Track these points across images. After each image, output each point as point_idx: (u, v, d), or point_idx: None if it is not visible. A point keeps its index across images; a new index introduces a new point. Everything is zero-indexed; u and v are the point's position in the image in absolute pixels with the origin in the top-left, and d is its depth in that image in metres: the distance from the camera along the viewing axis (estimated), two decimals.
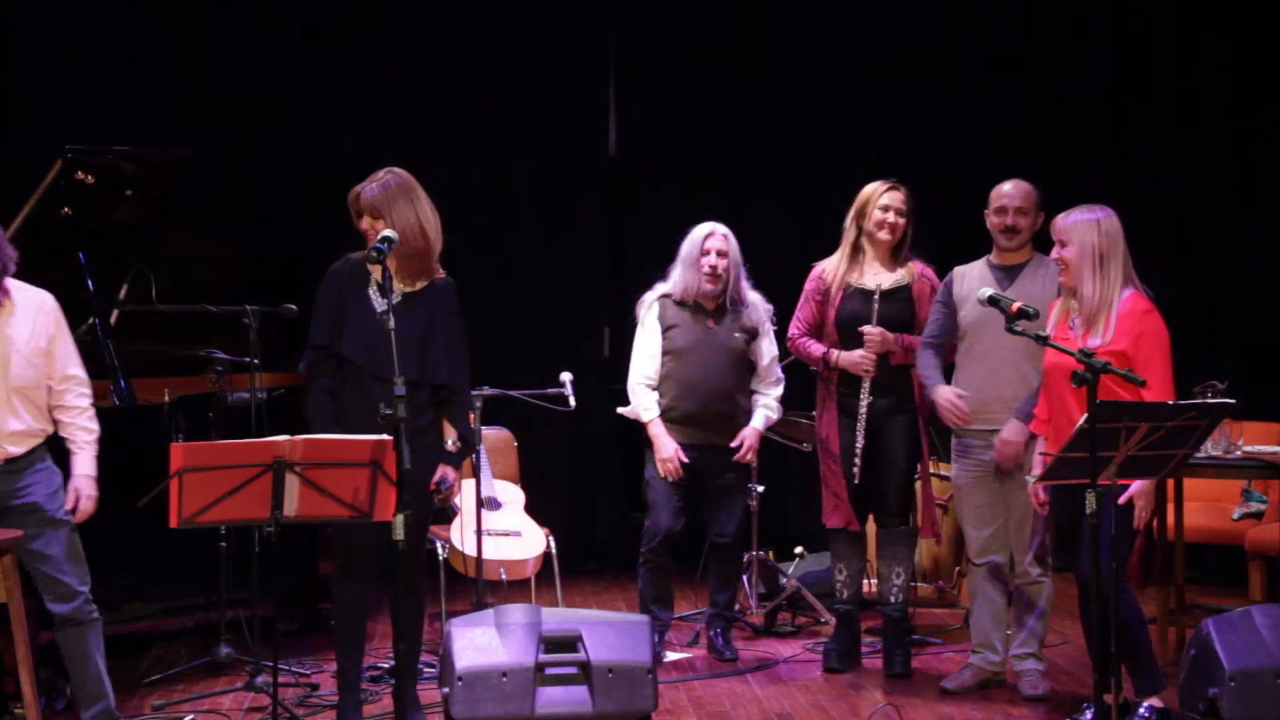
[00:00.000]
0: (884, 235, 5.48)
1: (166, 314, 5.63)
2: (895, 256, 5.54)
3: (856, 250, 5.53)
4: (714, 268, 5.69)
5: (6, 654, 4.65)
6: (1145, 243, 4.82)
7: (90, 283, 5.56)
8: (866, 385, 5.44)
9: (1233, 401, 4.54)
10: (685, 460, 5.72)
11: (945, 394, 5.19)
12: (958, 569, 6.42)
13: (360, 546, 4.71)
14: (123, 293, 5.67)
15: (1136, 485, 4.56)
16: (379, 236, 4.48)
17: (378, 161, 4.85)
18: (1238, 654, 4.40)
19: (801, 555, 6.57)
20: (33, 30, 7.38)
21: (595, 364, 7.80)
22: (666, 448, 5.73)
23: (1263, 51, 7.59)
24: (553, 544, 6.21)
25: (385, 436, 4.13)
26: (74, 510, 4.58)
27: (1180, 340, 4.74)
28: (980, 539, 5.32)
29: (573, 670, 4.53)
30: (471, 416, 5.76)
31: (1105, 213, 4.75)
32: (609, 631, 4.60)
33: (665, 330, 5.78)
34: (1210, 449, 5.32)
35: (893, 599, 5.59)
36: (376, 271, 4.62)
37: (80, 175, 5.34)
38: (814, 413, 5.69)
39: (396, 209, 4.60)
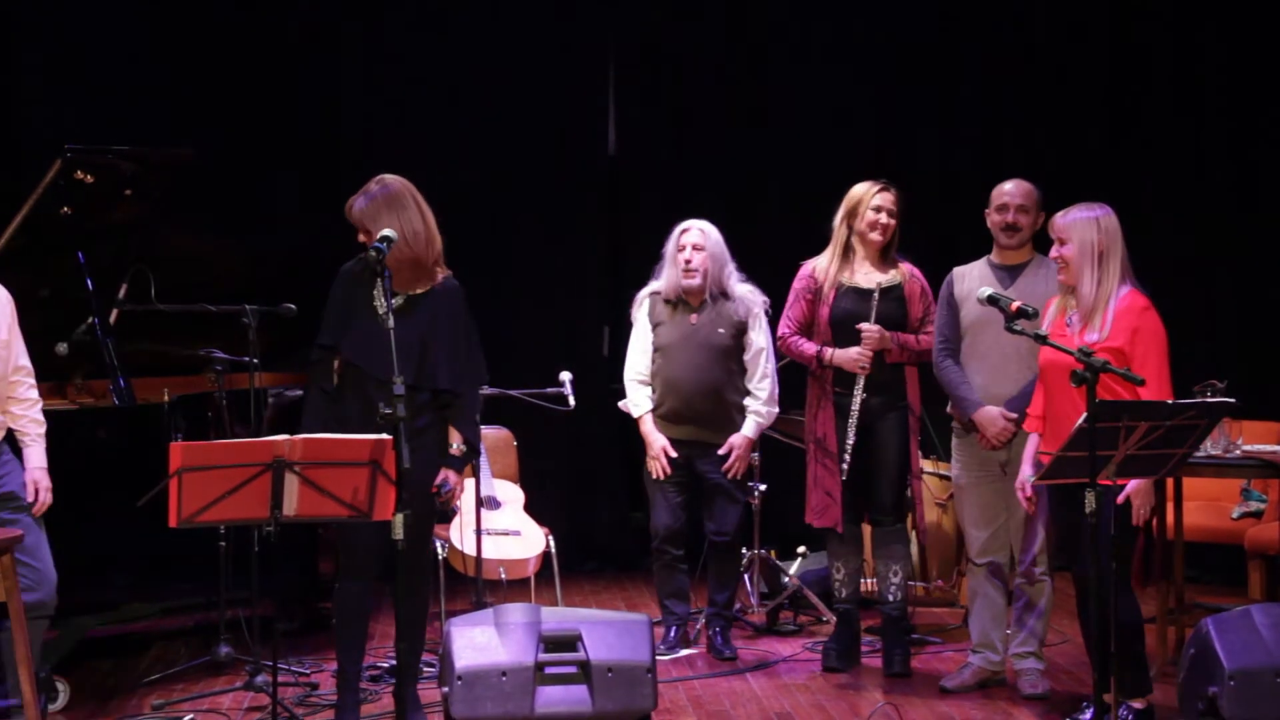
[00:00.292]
0: (875, 236, 5.50)
1: (166, 314, 5.63)
2: (884, 257, 5.55)
3: (847, 250, 5.54)
4: (688, 262, 5.75)
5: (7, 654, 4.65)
6: (1145, 242, 4.83)
7: (90, 282, 5.56)
8: (861, 383, 5.44)
9: (1232, 401, 4.53)
10: (673, 456, 5.77)
11: (992, 415, 5.17)
12: (957, 569, 6.42)
13: (361, 546, 4.71)
14: (122, 292, 5.67)
15: (1134, 484, 4.56)
16: (378, 236, 4.50)
17: (378, 161, 4.87)
18: (1237, 653, 4.40)
19: (803, 554, 6.57)
20: (33, 30, 7.38)
21: (595, 364, 7.80)
22: (653, 445, 5.81)
23: (1263, 51, 7.59)
24: (552, 543, 6.21)
25: (385, 436, 4.14)
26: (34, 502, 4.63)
27: (1180, 340, 4.75)
28: (982, 539, 5.32)
29: (572, 670, 4.53)
30: None
31: (1104, 210, 4.75)
32: (608, 631, 4.60)
33: (654, 327, 5.86)
34: (1210, 448, 5.32)
35: (891, 597, 5.59)
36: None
37: (80, 175, 5.34)
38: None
39: (380, 222, 4.60)
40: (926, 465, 6.49)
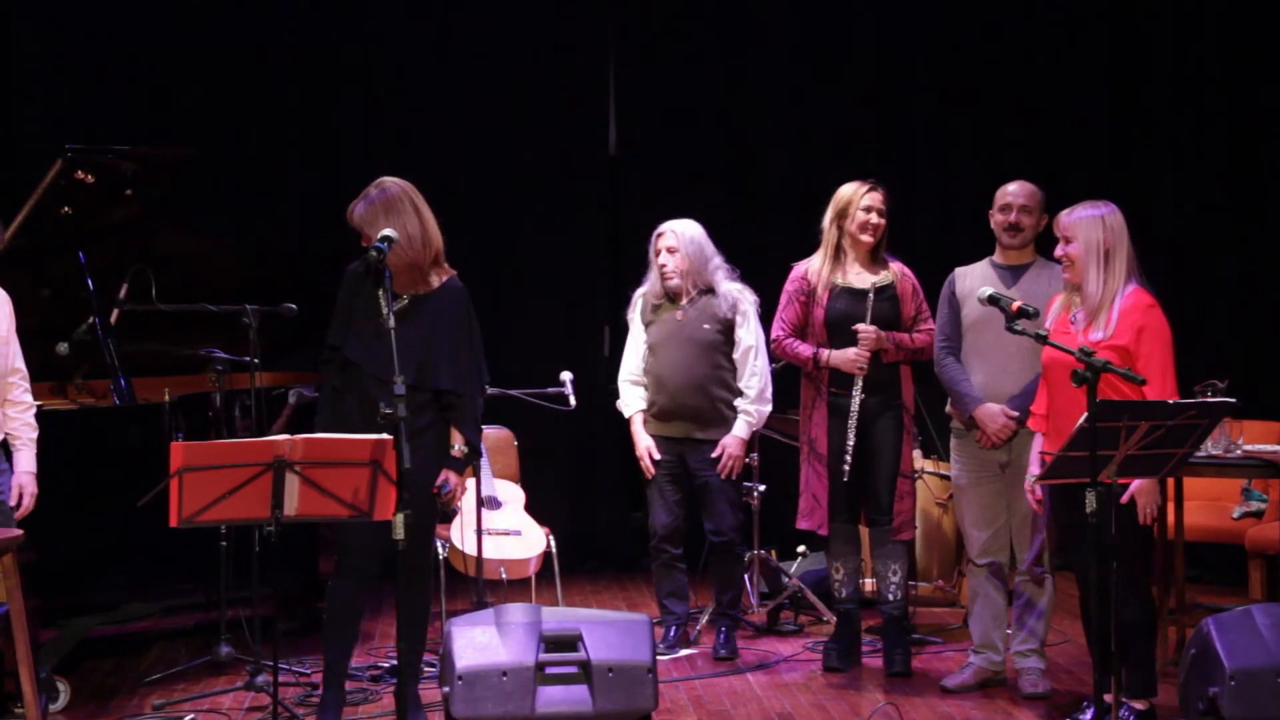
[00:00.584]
0: (867, 237, 5.51)
1: (166, 313, 5.63)
2: (875, 256, 5.56)
3: (839, 251, 5.55)
4: (663, 266, 5.81)
5: (7, 654, 4.65)
6: (1145, 242, 4.81)
7: (90, 282, 5.56)
8: (860, 383, 5.45)
9: (1233, 400, 4.54)
10: (656, 457, 5.83)
11: (993, 412, 5.17)
12: (957, 568, 6.42)
13: (358, 546, 4.72)
14: (123, 292, 5.67)
15: (1137, 482, 4.56)
16: (378, 236, 4.50)
17: (378, 161, 4.87)
18: (1238, 653, 4.40)
19: (803, 554, 6.57)
20: (32, 30, 7.38)
21: (595, 364, 7.79)
22: (638, 445, 5.89)
23: (1264, 51, 7.59)
24: (553, 543, 6.21)
25: (385, 436, 4.14)
26: (17, 506, 4.63)
27: (1180, 340, 4.74)
28: (982, 539, 5.32)
29: (573, 669, 4.52)
30: None
31: (1109, 208, 4.75)
32: (609, 631, 4.60)
33: (646, 327, 5.92)
34: (1210, 448, 5.31)
35: (891, 597, 5.59)
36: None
37: (80, 175, 5.34)
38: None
39: (378, 226, 4.60)
40: (927, 465, 6.50)
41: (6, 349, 4.67)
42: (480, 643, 4.51)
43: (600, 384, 7.53)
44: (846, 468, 5.46)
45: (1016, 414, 5.12)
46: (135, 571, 5.57)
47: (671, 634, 5.92)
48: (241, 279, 5.85)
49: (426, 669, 5.22)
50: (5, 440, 4.69)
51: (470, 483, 5.93)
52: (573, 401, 6.19)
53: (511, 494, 6.39)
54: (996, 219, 5.30)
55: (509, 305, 7.78)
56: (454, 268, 4.89)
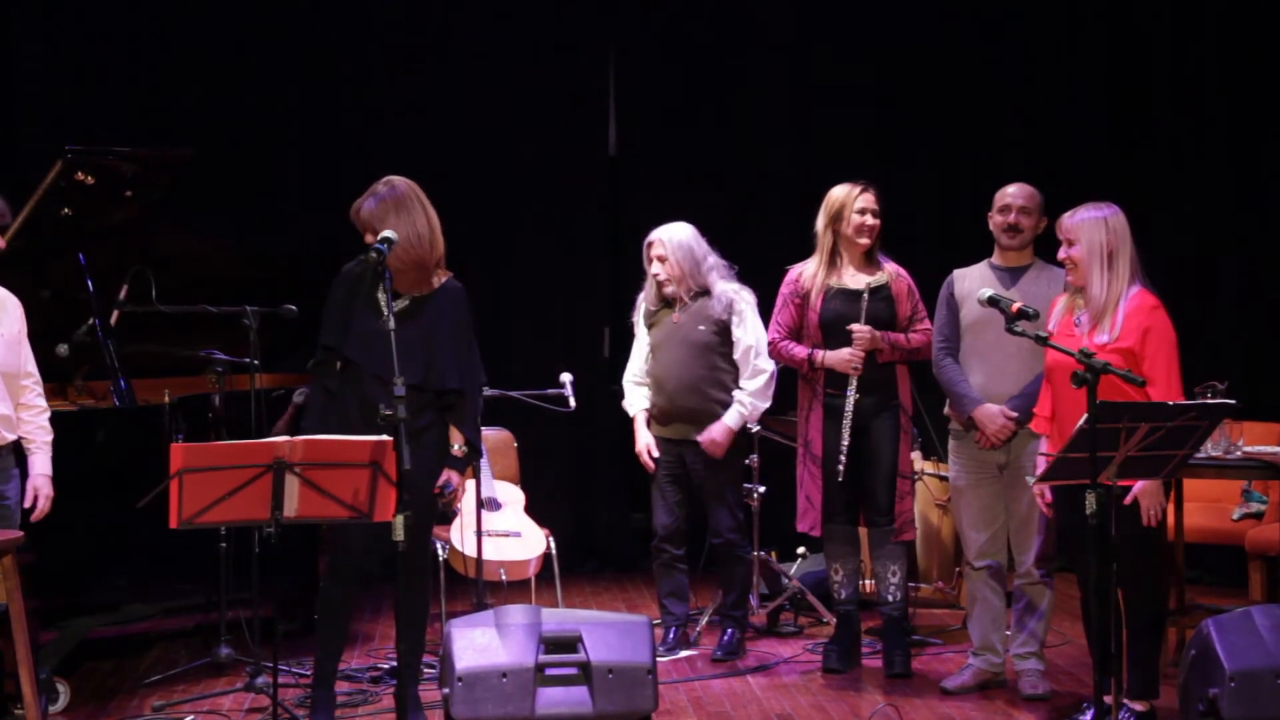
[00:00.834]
0: (864, 240, 5.52)
1: (166, 315, 5.63)
2: (869, 257, 5.56)
3: (834, 255, 5.55)
4: (655, 275, 5.85)
5: (7, 655, 4.65)
6: (1145, 242, 4.81)
7: (90, 283, 5.56)
8: (854, 383, 5.45)
9: (1233, 402, 4.54)
10: (655, 455, 5.86)
11: (992, 412, 5.16)
12: (957, 569, 6.42)
13: (351, 549, 4.73)
14: (123, 293, 5.67)
15: (1140, 484, 4.56)
16: (379, 237, 4.50)
17: (377, 161, 4.87)
18: (1238, 654, 4.40)
19: (803, 555, 6.57)
20: (32, 30, 7.38)
21: (595, 364, 7.80)
22: (638, 443, 5.93)
23: (1264, 51, 7.58)
24: (553, 544, 6.21)
25: (385, 437, 4.14)
26: (32, 509, 4.64)
27: (1180, 340, 4.73)
28: (980, 541, 5.32)
29: (573, 671, 4.53)
30: None
31: (1112, 210, 4.75)
32: (609, 632, 4.60)
33: (648, 329, 5.95)
34: (1210, 449, 5.31)
35: (890, 598, 5.59)
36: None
37: (80, 176, 5.34)
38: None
39: (387, 224, 4.60)
40: (927, 466, 6.50)
41: (19, 350, 4.68)
42: (480, 644, 4.51)
43: (600, 385, 7.55)
44: (841, 468, 5.46)
45: (1015, 414, 5.12)
46: (135, 573, 5.57)
47: (671, 635, 5.92)
48: (241, 280, 5.85)
49: (426, 670, 5.22)
50: (18, 442, 4.69)
51: (470, 484, 5.94)
52: (572, 403, 6.19)
53: (511, 495, 6.39)
54: (995, 220, 5.30)
55: (509, 305, 7.79)
56: (454, 268, 4.89)
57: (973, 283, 5.25)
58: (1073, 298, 4.82)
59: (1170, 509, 5.64)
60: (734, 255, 6.00)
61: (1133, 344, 4.61)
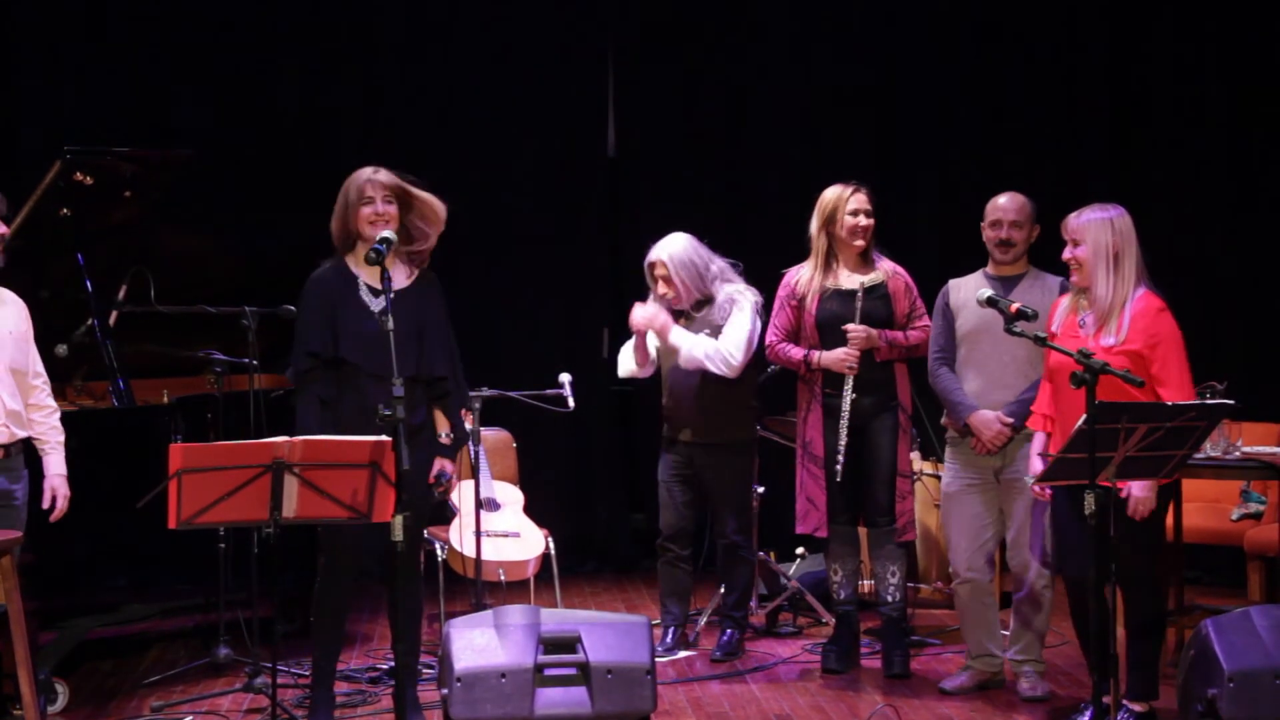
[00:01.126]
0: (858, 241, 5.52)
1: (165, 315, 5.63)
2: (864, 257, 5.56)
3: (829, 257, 5.54)
4: (663, 296, 5.81)
5: (6, 656, 4.65)
6: (1145, 243, 4.81)
7: (89, 284, 5.56)
8: (850, 382, 5.45)
9: (1232, 402, 4.54)
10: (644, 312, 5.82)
11: (988, 418, 5.16)
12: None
13: (347, 547, 4.72)
14: (122, 294, 5.67)
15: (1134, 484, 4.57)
16: (378, 237, 4.49)
17: (378, 162, 4.85)
18: (1237, 654, 4.40)
19: (802, 556, 6.57)
20: (32, 30, 7.38)
21: (595, 365, 7.79)
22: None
23: (1264, 50, 7.58)
24: (551, 545, 6.20)
25: (384, 438, 4.14)
26: (51, 509, 4.65)
27: None
28: (967, 550, 5.30)
29: (572, 671, 4.52)
30: (470, 417, 5.77)
31: (1118, 211, 4.75)
32: (608, 632, 4.60)
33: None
34: (1209, 450, 5.32)
35: (890, 598, 5.59)
36: (368, 273, 4.65)
37: (79, 176, 5.35)
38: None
39: (411, 188, 4.67)
40: (926, 467, 6.50)
41: (28, 348, 4.69)
42: (479, 644, 4.51)
43: (600, 385, 7.54)
44: (839, 468, 5.46)
45: (1011, 420, 5.12)
46: (134, 573, 5.57)
47: (670, 636, 5.92)
48: (240, 281, 5.85)
49: (426, 670, 5.22)
50: (27, 440, 4.69)
51: (469, 483, 5.94)
52: (571, 403, 6.18)
53: (510, 496, 6.39)
54: (987, 234, 5.30)
55: (509, 306, 7.79)
56: (454, 268, 4.90)
57: (968, 292, 5.25)
58: (1076, 298, 4.82)
59: (1170, 509, 5.66)
60: (733, 256, 5.99)
61: (1140, 347, 4.60)
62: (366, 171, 4.74)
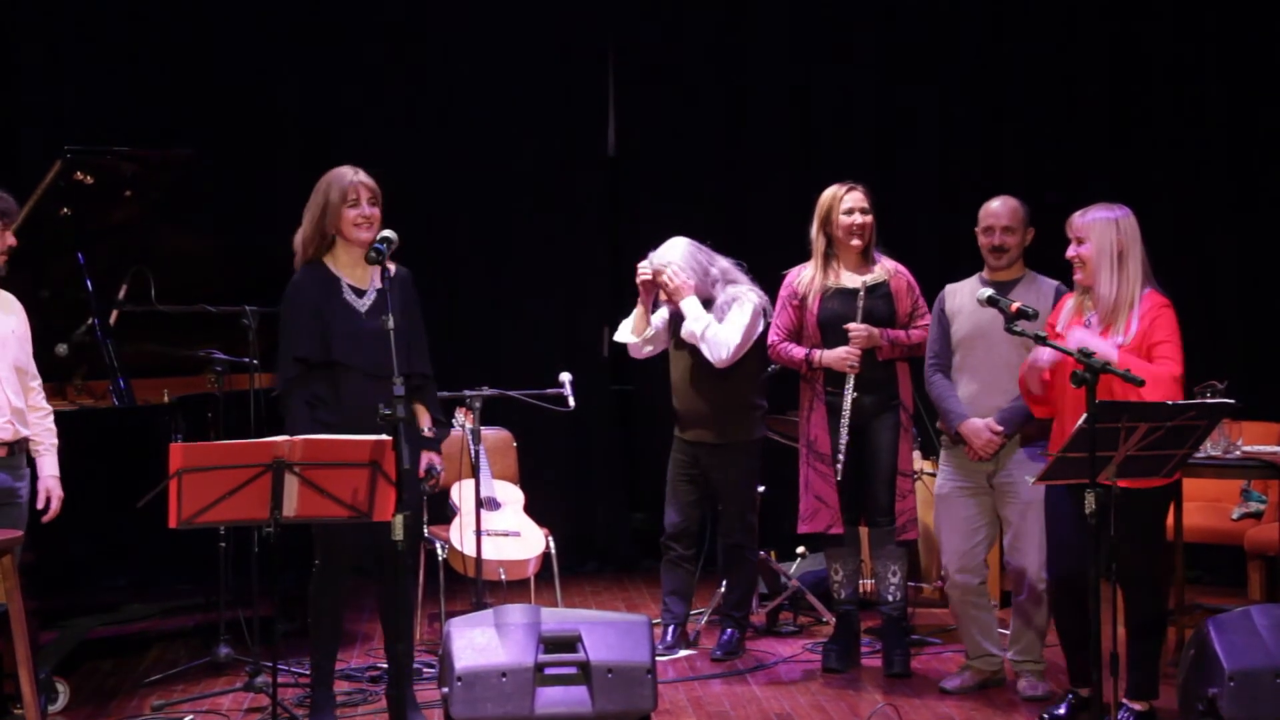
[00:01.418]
0: (856, 241, 5.52)
1: (166, 314, 5.63)
2: (865, 256, 5.56)
3: (829, 257, 5.55)
4: (669, 300, 5.81)
5: (6, 655, 4.66)
6: (1145, 243, 4.81)
7: (89, 283, 5.56)
8: (852, 382, 5.45)
9: (1232, 401, 4.54)
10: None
11: (977, 427, 5.17)
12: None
13: (343, 546, 4.73)
14: (122, 293, 5.68)
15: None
16: (378, 237, 4.47)
17: (377, 162, 4.87)
18: (1237, 654, 4.40)
19: (803, 555, 6.57)
20: (32, 29, 7.38)
21: (595, 365, 7.80)
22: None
23: (1262, 53, 7.58)
24: (552, 544, 6.21)
25: (384, 437, 4.13)
26: (45, 509, 4.66)
27: (1182, 340, 4.74)
28: (959, 553, 5.30)
29: (572, 670, 4.52)
30: (470, 416, 5.78)
31: (1123, 211, 4.75)
32: (608, 631, 4.60)
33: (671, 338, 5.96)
34: (1210, 449, 5.32)
35: (890, 598, 5.59)
36: (349, 274, 4.63)
37: (79, 176, 5.35)
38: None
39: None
40: (926, 466, 6.50)
41: (28, 348, 4.71)
42: (479, 643, 4.51)
43: (600, 385, 7.54)
44: (839, 466, 5.46)
45: (1001, 428, 5.12)
46: (135, 572, 5.58)
47: (670, 635, 5.92)
48: (240, 280, 5.85)
49: (425, 670, 5.22)
50: (29, 439, 4.70)
51: (470, 484, 5.94)
52: (572, 402, 6.18)
53: (510, 495, 6.39)
54: (981, 240, 5.30)
55: (509, 305, 7.78)
56: (454, 268, 4.90)
57: (964, 298, 5.26)
58: (1080, 298, 4.82)
59: (1170, 509, 5.65)
60: (733, 256, 5.99)
61: (1144, 342, 4.61)
62: (347, 172, 4.72)
